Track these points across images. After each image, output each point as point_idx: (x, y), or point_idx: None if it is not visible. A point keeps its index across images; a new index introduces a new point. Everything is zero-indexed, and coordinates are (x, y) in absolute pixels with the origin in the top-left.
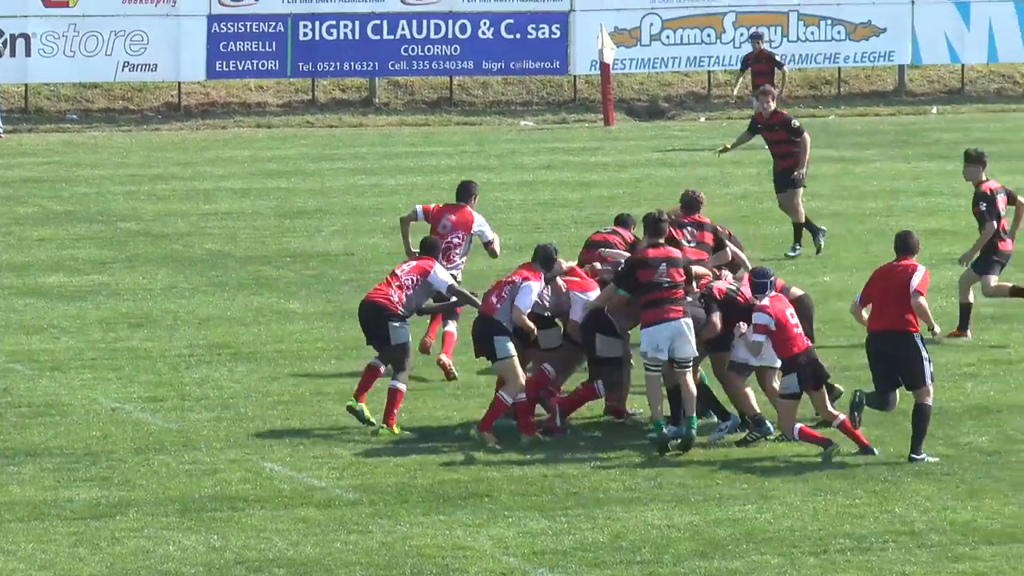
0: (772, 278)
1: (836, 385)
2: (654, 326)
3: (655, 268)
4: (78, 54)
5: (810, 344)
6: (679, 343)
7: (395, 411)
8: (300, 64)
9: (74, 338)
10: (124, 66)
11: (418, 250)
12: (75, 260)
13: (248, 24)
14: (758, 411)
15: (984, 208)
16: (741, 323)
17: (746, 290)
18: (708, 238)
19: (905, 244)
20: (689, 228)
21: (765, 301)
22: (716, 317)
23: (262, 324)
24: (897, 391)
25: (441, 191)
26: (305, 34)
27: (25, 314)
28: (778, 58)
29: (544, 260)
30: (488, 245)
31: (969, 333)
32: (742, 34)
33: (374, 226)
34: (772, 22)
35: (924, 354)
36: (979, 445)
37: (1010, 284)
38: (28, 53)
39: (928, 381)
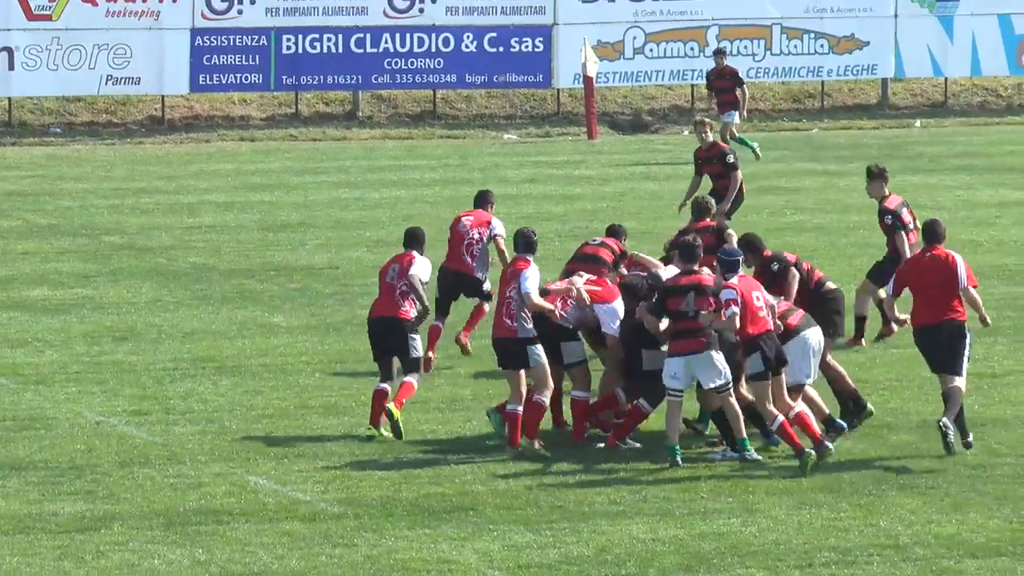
0: (740, 257)
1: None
2: (675, 357)
3: (683, 297)
4: (61, 67)
5: (771, 329)
6: (702, 373)
7: (404, 400)
8: (283, 77)
9: (58, 352)
10: (107, 79)
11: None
12: (59, 274)
13: (231, 37)
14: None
15: (890, 222)
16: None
17: (781, 307)
18: (710, 239)
19: (934, 232)
20: (692, 235)
21: (734, 280)
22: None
23: (246, 337)
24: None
25: (424, 204)
26: (288, 47)
27: (9, 328)
28: (740, 75)
29: (526, 246)
30: (496, 239)
31: (863, 342)
32: (725, 47)
33: (358, 239)
34: (755, 35)
35: (967, 343)
36: (964, 459)
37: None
38: (11, 67)
39: (962, 371)
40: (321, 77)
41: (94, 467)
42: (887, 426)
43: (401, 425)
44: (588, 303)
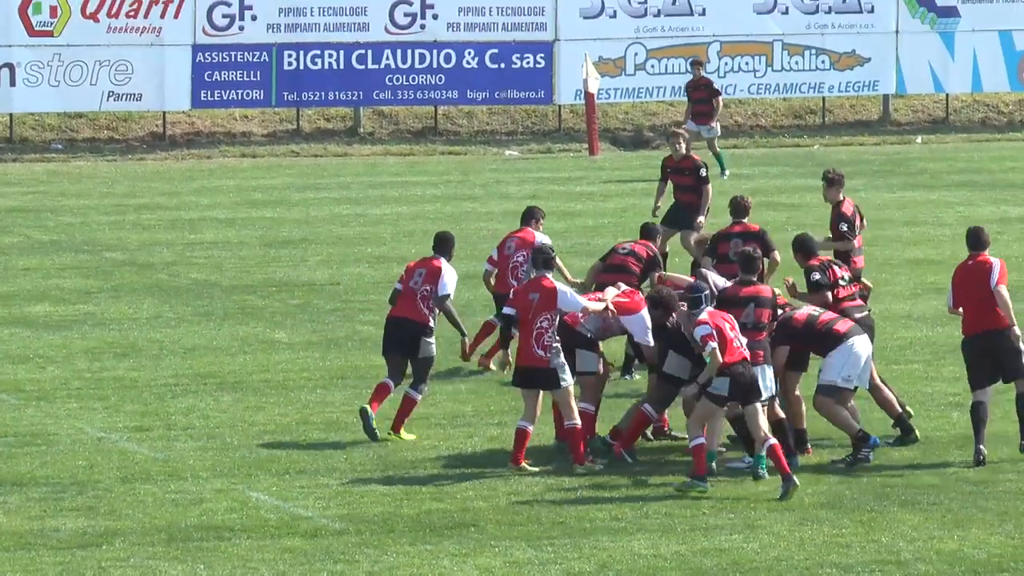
0: (705, 292)
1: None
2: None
3: (743, 308)
4: (63, 84)
5: (747, 358)
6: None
7: (405, 419)
8: (285, 94)
9: (60, 368)
10: (109, 96)
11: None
12: (60, 290)
13: (233, 54)
14: (862, 428)
15: (846, 228)
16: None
17: (825, 315)
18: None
19: (978, 239)
20: (735, 240)
21: (703, 316)
22: (783, 351)
23: (248, 353)
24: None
25: (426, 220)
26: (290, 64)
27: (11, 344)
28: (716, 86)
29: (545, 263)
30: None
31: None
32: (727, 63)
33: (359, 255)
34: (756, 51)
35: (1020, 346)
36: (965, 475)
37: None
38: (12, 83)
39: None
40: (322, 93)
41: (96, 483)
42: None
43: (377, 432)
44: (613, 316)
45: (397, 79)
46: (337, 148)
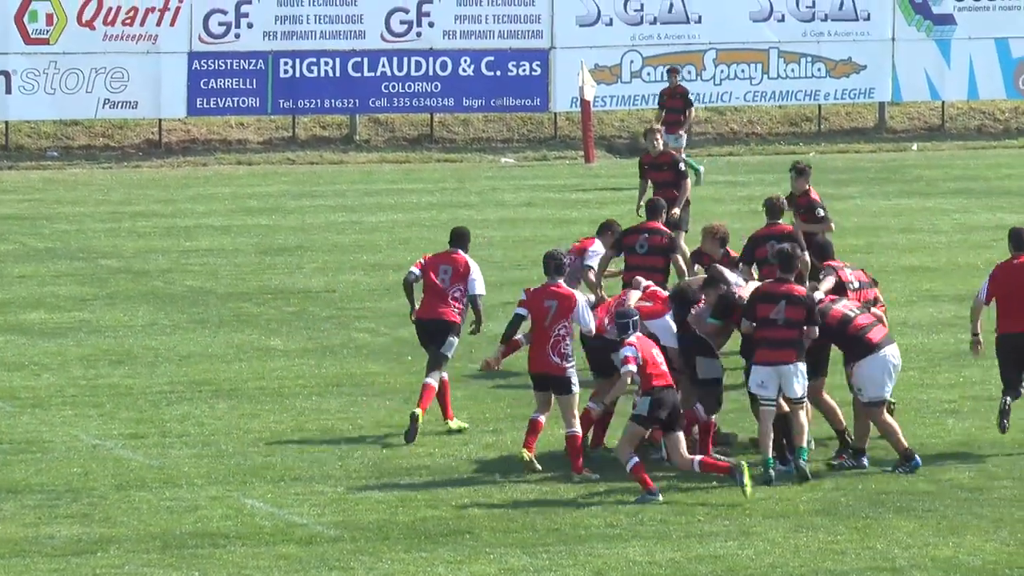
0: (634, 319)
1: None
2: (763, 366)
3: (775, 304)
4: (59, 91)
5: (672, 385)
6: (787, 383)
7: (449, 404)
8: (281, 101)
9: (55, 375)
10: (105, 103)
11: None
12: (56, 297)
13: (229, 61)
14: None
15: (823, 214)
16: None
17: (861, 318)
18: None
19: (1020, 239)
20: (771, 241)
21: (632, 339)
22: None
23: (243, 361)
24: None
25: (422, 228)
26: (286, 71)
27: (6, 351)
28: (691, 96)
29: (557, 269)
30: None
31: None
32: (723, 71)
33: (355, 263)
34: (752, 59)
35: None
36: (960, 482)
37: None
38: (8, 90)
39: None
40: (318, 101)
41: (90, 490)
42: (883, 448)
43: (417, 431)
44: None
45: (393, 87)
46: (333, 155)
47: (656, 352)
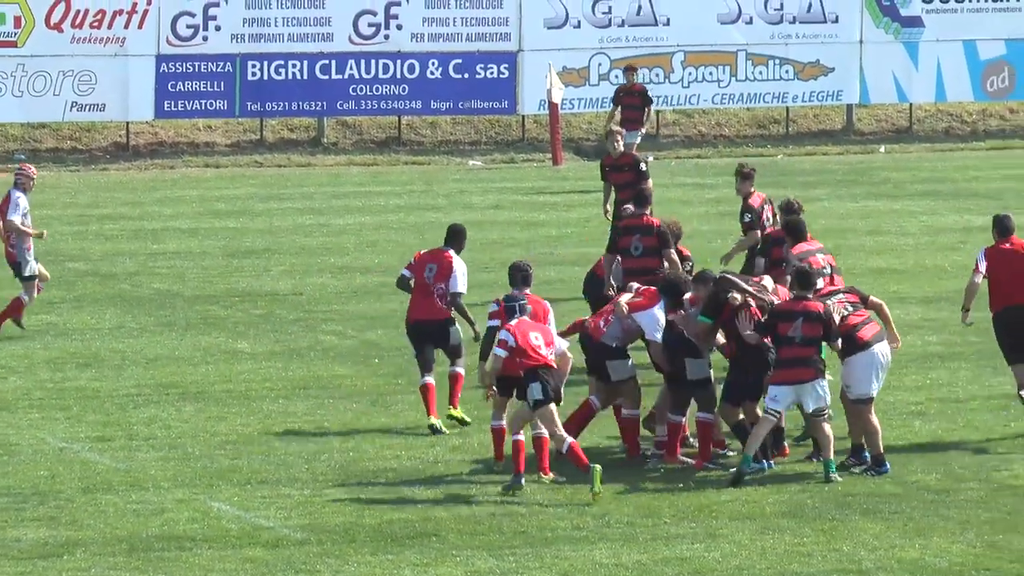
0: (521, 303)
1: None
2: (783, 385)
3: (792, 322)
4: (26, 94)
5: (550, 364)
6: (805, 399)
7: (458, 394)
8: (248, 104)
9: (22, 378)
10: (72, 106)
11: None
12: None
13: (196, 64)
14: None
15: (748, 220)
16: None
17: (853, 317)
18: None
19: (1005, 226)
20: (786, 243)
21: (513, 322)
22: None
23: (210, 364)
24: None
25: (389, 230)
26: (253, 74)
27: None
28: (649, 94)
29: (524, 280)
30: None
31: None
32: (691, 73)
33: (322, 266)
34: (720, 61)
35: None
36: (927, 483)
37: None
38: None
39: None
40: (286, 104)
41: (57, 493)
42: (848, 451)
43: (464, 417)
44: (626, 314)
45: (361, 89)
46: (300, 158)
47: (535, 336)
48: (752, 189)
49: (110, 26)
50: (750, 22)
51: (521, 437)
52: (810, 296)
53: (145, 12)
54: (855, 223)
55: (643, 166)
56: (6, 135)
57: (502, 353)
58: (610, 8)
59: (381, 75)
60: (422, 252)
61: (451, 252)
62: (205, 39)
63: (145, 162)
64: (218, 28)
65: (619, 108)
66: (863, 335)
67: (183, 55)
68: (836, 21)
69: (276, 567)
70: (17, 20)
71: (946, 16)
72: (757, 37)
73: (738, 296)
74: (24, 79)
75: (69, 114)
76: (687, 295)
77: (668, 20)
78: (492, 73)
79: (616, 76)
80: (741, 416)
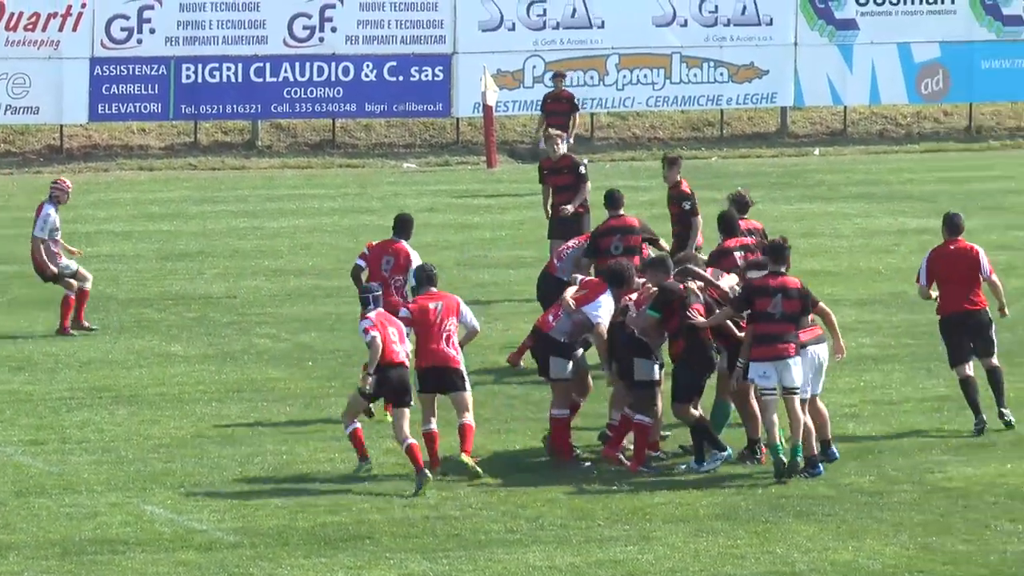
0: (376, 294)
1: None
2: (762, 362)
3: (771, 298)
4: None
5: (404, 363)
6: (786, 375)
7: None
8: (182, 107)
9: None
10: (6, 109)
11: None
12: None
13: (130, 67)
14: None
15: (689, 207)
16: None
17: None
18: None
19: (955, 225)
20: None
21: (371, 314)
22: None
23: (144, 367)
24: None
25: (323, 233)
26: (188, 77)
27: None
28: (576, 101)
29: (428, 280)
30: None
31: None
32: (625, 76)
33: (256, 268)
34: (655, 64)
35: (994, 326)
36: (860, 486)
37: None
38: None
39: (996, 348)
40: (220, 106)
41: None
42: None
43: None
44: (573, 309)
45: (295, 92)
46: (235, 161)
47: (393, 331)
48: (679, 177)
49: (44, 29)
50: (685, 24)
51: (412, 440)
52: (784, 271)
53: (79, 15)
54: (789, 225)
55: (582, 168)
56: None
57: (376, 335)
58: (545, 10)
59: (315, 78)
60: (374, 243)
61: (403, 242)
62: (139, 42)
63: (79, 165)
64: (152, 31)
65: (545, 116)
66: (801, 338)
67: (117, 58)
68: (771, 24)
69: (209, 570)
70: None
71: (880, 19)
72: (692, 39)
73: (693, 285)
74: None
75: (3, 117)
76: (633, 296)
77: (603, 23)
78: (427, 76)
79: (550, 79)
80: (698, 413)
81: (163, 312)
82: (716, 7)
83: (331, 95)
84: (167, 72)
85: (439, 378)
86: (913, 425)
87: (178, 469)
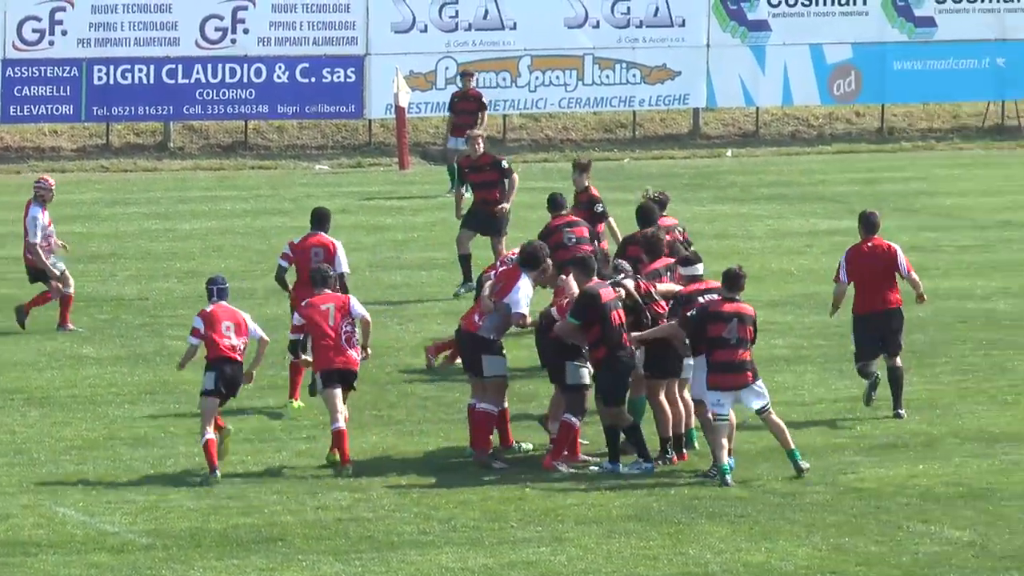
0: (220, 287)
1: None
2: (721, 392)
3: (727, 323)
4: None
5: (236, 358)
6: (748, 399)
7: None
8: (94, 108)
9: None
10: None
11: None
12: None
13: (42, 68)
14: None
15: (601, 209)
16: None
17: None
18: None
19: (871, 223)
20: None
21: (208, 309)
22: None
23: (55, 369)
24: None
25: (235, 235)
26: (100, 78)
27: None
28: (484, 100)
29: (323, 281)
30: None
31: None
32: (537, 77)
33: (168, 270)
34: (567, 65)
35: (904, 327)
36: (773, 487)
37: None
38: None
39: (902, 349)
40: (132, 108)
41: None
42: (697, 454)
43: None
44: (492, 308)
45: (207, 94)
46: (147, 163)
47: (227, 326)
48: (588, 182)
49: None
50: (597, 26)
51: (211, 436)
52: (738, 297)
53: None
54: (701, 227)
55: (504, 163)
56: None
57: (195, 341)
58: (457, 12)
59: (228, 79)
60: (295, 241)
61: (324, 235)
62: (51, 44)
63: None
64: (64, 33)
65: (453, 115)
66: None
67: (29, 60)
68: (683, 25)
69: (121, 572)
70: None
71: (792, 20)
72: (604, 41)
73: (629, 284)
74: None
75: None
76: (554, 307)
77: (515, 24)
78: (339, 77)
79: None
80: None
81: (75, 314)
82: (628, 8)
83: (243, 96)
84: (79, 74)
85: (343, 379)
86: (825, 426)
87: (90, 471)
